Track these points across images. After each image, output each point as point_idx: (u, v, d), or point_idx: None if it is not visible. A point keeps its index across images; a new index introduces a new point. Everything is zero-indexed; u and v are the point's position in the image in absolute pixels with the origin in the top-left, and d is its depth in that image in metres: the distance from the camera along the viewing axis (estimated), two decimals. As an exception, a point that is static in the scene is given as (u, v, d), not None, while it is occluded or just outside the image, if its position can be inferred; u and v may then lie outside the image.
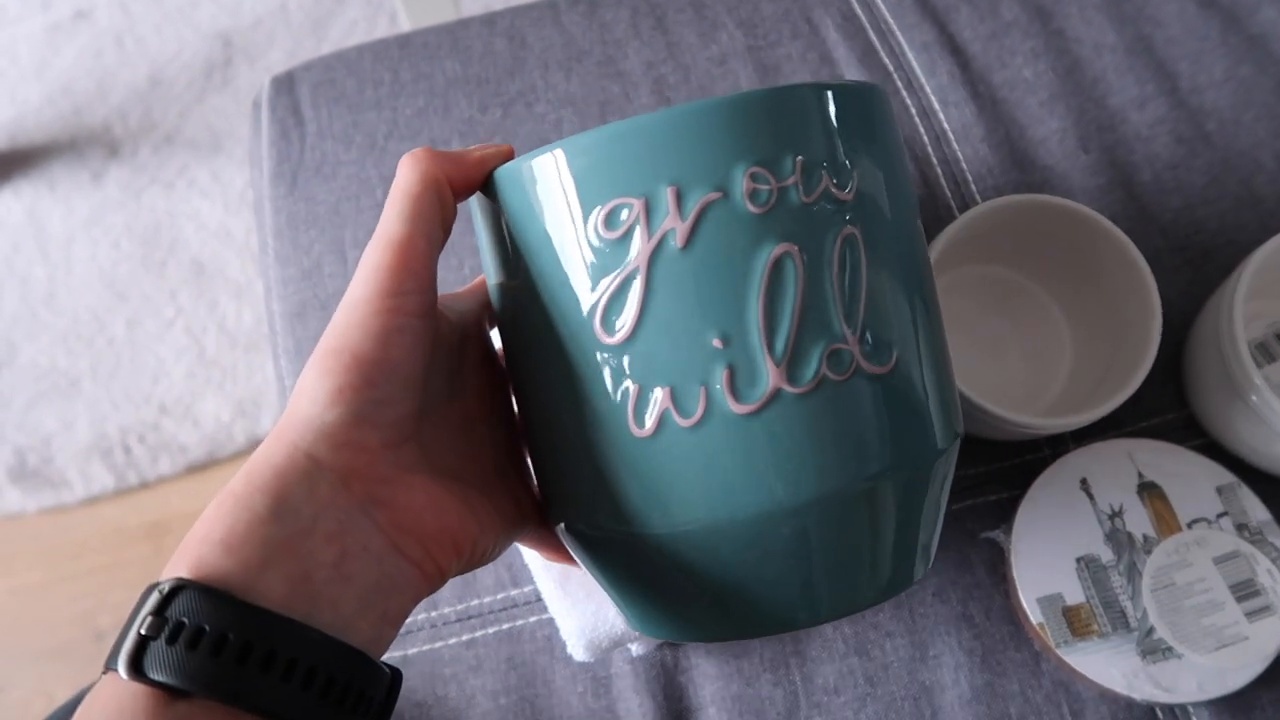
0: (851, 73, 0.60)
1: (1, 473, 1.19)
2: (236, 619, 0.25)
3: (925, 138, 0.57)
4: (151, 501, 1.16)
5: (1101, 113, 0.57)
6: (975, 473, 0.51)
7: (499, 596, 0.50)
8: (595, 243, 0.30)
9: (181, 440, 1.18)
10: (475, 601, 0.50)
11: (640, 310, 0.30)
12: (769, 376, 0.29)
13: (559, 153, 0.30)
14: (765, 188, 0.29)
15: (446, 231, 0.32)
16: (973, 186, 0.56)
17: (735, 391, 0.29)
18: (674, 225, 0.29)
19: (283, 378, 0.57)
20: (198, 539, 0.27)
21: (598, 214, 0.30)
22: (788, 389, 0.29)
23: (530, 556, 0.48)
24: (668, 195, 0.29)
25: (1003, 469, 0.51)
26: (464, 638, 0.50)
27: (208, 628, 0.25)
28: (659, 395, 0.30)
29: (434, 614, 0.50)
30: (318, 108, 0.63)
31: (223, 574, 0.26)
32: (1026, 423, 0.45)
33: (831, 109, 0.31)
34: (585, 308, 0.30)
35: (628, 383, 0.30)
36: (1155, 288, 0.46)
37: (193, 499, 1.15)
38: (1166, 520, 0.47)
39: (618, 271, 0.30)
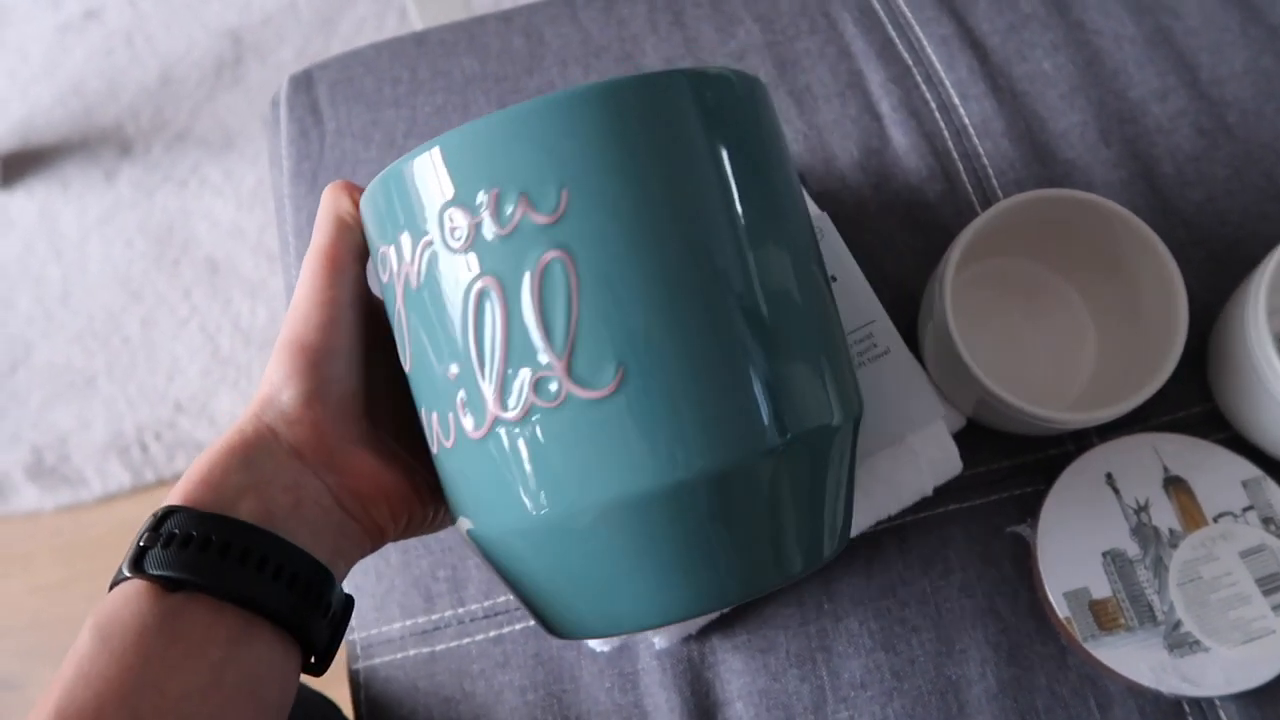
0: (870, 68, 0.60)
1: (19, 471, 1.19)
2: (217, 526, 0.31)
3: (945, 132, 0.57)
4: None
5: (1122, 105, 0.57)
6: (999, 467, 0.51)
7: (525, 593, 0.51)
8: (381, 285, 0.35)
9: (198, 438, 1.18)
10: (502, 598, 0.51)
11: (409, 344, 0.34)
12: (488, 405, 0.31)
13: (363, 198, 0.35)
14: (460, 226, 0.31)
15: (367, 243, 0.37)
16: (994, 181, 0.56)
17: (468, 418, 0.32)
18: (409, 269, 0.32)
19: (306, 376, 0.58)
20: (182, 482, 0.33)
21: (376, 258, 0.35)
22: (502, 416, 0.31)
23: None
24: (405, 241, 0.32)
25: (1026, 463, 0.51)
26: (491, 634, 0.50)
27: (195, 533, 0.31)
28: (434, 419, 0.34)
29: (461, 610, 0.51)
30: (336, 106, 0.63)
31: (204, 501, 0.32)
32: (1051, 417, 0.45)
33: (534, 132, 0.30)
34: (395, 338, 0.35)
35: (420, 406, 0.35)
36: (1181, 281, 0.46)
37: (209, 496, 1.16)
38: (1192, 514, 0.47)
39: (393, 312, 0.35)
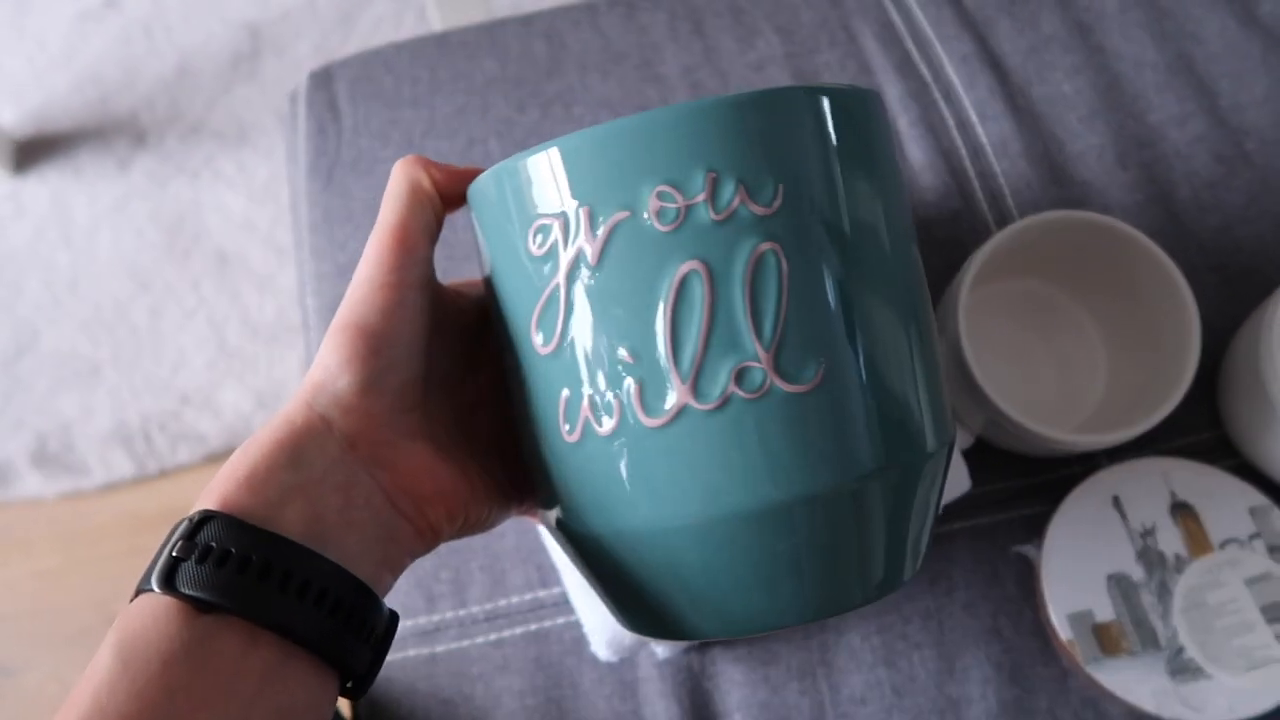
0: (888, 83, 0.60)
1: (22, 457, 1.19)
2: (258, 543, 0.29)
3: (963, 150, 0.57)
4: (170, 490, 1.17)
5: (1141, 129, 0.57)
6: (1006, 487, 0.51)
7: (527, 597, 0.51)
8: (529, 258, 0.32)
9: (201, 430, 1.18)
10: (504, 601, 0.50)
11: (563, 323, 0.31)
12: (676, 392, 0.30)
13: (495, 173, 0.33)
14: (672, 206, 0.30)
15: (438, 221, 0.35)
16: (1010, 200, 0.56)
17: (644, 405, 0.30)
18: (586, 244, 0.30)
19: (315, 372, 0.58)
20: (222, 479, 0.30)
21: (529, 231, 0.32)
22: (695, 405, 0.30)
23: (557, 555, 0.48)
24: (582, 215, 0.30)
25: (1033, 484, 0.51)
26: (491, 637, 0.50)
27: (234, 550, 0.28)
28: (582, 404, 0.31)
29: (462, 613, 0.51)
30: (355, 104, 0.63)
31: (246, 508, 0.29)
32: (1060, 439, 0.45)
33: (756, 121, 0.30)
34: (525, 316, 0.33)
35: (558, 389, 0.32)
36: (1195, 307, 0.46)
37: (211, 488, 1.16)
38: (1198, 540, 0.47)
39: (546, 286, 0.31)
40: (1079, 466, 0.51)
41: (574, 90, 0.62)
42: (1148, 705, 0.44)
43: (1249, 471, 0.49)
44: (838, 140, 0.32)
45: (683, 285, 0.30)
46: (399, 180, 0.35)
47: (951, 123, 0.58)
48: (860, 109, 0.33)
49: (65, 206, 1.34)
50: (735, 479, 0.30)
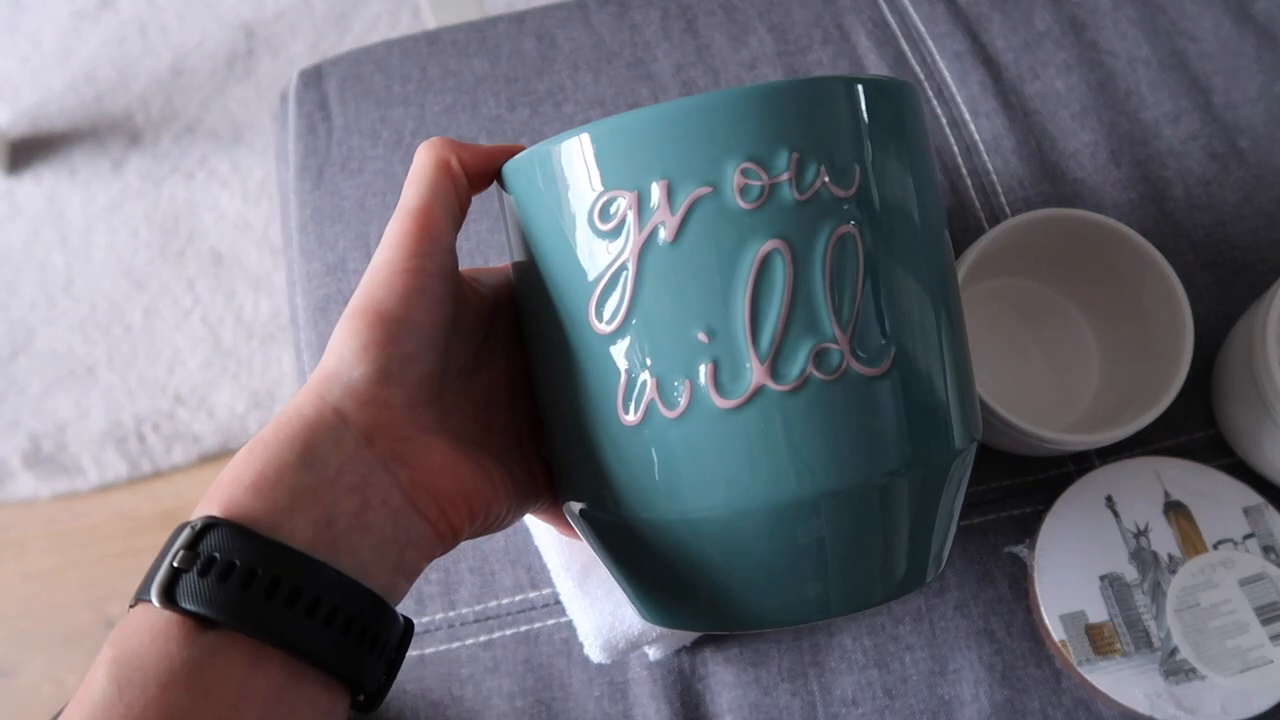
0: (882, 80, 0.59)
1: (16, 458, 1.19)
2: (265, 556, 0.27)
3: (955, 148, 0.57)
4: (165, 490, 1.17)
5: (1134, 127, 0.57)
6: (999, 486, 0.50)
7: (517, 598, 0.50)
8: (591, 234, 0.31)
9: (196, 430, 1.18)
10: (494, 603, 0.50)
11: (630, 301, 0.30)
12: (753, 373, 0.29)
13: (557, 147, 0.31)
14: (756, 184, 0.29)
15: (463, 206, 0.34)
16: (1003, 198, 0.56)
17: (719, 386, 0.30)
18: (663, 219, 0.29)
19: (305, 372, 0.57)
20: (228, 481, 0.28)
21: (594, 206, 0.30)
22: (772, 386, 0.29)
23: (549, 556, 0.48)
24: (659, 189, 0.29)
25: (1026, 484, 0.50)
26: (481, 639, 0.50)
27: (238, 562, 0.26)
28: (647, 386, 0.30)
29: (452, 614, 0.50)
30: (345, 103, 0.63)
31: (252, 514, 0.27)
32: (1053, 438, 0.45)
33: (837, 104, 0.30)
34: (581, 296, 0.31)
35: (618, 371, 0.31)
36: (1188, 305, 0.45)
37: (206, 489, 1.15)
38: (1192, 540, 0.47)
39: (611, 262, 0.30)
40: (1072, 466, 0.51)
41: (565, 88, 0.61)
42: (1141, 706, 0.44)
43: (1243, 471, 0.49)
44: (905, 130, 0.32)
45: (765, 264, 0.29)
46: (425, 161, 0.33)
47: (945, 121, 0.58)
48: (918, 103, 0.34)
49: (60, 206, 1.34)
50: (811, 461, 0.30)
